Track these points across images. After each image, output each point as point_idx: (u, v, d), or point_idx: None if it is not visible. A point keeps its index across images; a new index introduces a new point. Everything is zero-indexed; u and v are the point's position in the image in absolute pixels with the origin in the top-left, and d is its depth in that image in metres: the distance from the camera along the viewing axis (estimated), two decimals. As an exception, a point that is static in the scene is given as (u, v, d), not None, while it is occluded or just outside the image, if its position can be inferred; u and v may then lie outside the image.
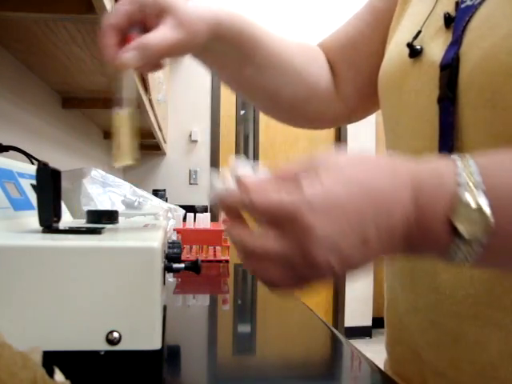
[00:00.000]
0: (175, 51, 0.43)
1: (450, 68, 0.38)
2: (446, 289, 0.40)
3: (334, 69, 0.60)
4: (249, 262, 0.30)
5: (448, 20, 0.40)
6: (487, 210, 0.26)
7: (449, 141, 0.38)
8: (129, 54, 0.39)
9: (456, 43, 0.38)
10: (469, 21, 0.37)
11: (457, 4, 0.40)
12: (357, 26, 0.58)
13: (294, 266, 0.28)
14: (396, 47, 0.47)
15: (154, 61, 0.42)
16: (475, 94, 0.36)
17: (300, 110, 0.60)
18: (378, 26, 0.56)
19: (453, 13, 0.40)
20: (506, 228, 0.27)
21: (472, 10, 0.38)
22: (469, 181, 0.27)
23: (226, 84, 0.58)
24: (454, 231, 0.27)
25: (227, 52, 0.51)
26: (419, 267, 0.43)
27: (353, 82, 0.59)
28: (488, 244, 0.27)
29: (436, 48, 0.40)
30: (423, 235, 0.28)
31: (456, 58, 0.38)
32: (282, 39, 0.55)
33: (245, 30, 0.50)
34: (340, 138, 3.30)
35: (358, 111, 0.62)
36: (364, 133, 3.28)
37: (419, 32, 0.43)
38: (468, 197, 0.26)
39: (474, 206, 0.26)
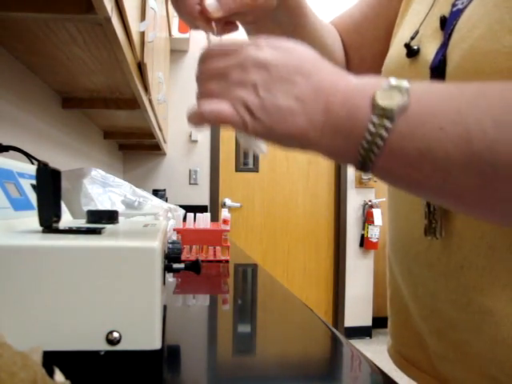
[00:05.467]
0: (251, 8, 0.43)
1: (438, 69, 0.39)
2: (440, 277, 0.42)
3: (345, 53, 0.61)
4: (200, 67, 0.37)
5: (443, 22, 0.41)
6: (405, 86, 0.30)
7: None
8: (210, 2, 0.40)
9: (444, 45, 0.39)
10: (455, 23, 0.39)
11: (452, 6, 0.40)
12: (362, 9, 0.59)
13: (230, 74, 0.34)
14: (397, 45, 0.47)
15: (231, 14, 0.42)
16: None
17: None
18: (382, 11, 0.56)
19: (448, 15, 0.40)
20: (416, 115, 0.30)
21: (459, 13, 0.39)
22: (398, 81, 0.31)
23: None
24: (373, 107, 0.30)
25: (282, 22, 0.51)
26: (416, 257, 0.45)
27: (358, 70, 0.59)
28: (396, 129, 0.29)
29: (430, 49, 0.41)
30: (345, 109, 0.31)
31: (443, 60, 0.39)
32: (318, 16, 0.56)
33: (303, 2, 0.51)
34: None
35: None
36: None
37: (417, 32, 0.44)
38: (392, 81, 0.31)
39: (395, 84, 0.30)
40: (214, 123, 0.35)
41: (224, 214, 1.09)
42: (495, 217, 0.31)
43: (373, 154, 0.31)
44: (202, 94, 0.36)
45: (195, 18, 0.40)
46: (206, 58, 0.37)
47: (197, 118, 0.35)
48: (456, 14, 0.39)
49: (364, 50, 0.59)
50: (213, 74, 0.36)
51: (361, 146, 0.31)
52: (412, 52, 0.43)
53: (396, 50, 0.47)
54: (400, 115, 0.30)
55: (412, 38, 0.44)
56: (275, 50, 0.34)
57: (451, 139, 0.28)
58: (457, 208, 0.33)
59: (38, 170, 0.38)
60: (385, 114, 0.30)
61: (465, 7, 0.38)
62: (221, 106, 0.34)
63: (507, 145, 0.27)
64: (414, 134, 0.29)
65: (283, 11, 0.49)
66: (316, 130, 0.32)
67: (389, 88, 0.30)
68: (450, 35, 0.39)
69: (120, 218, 0.55)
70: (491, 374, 0.38)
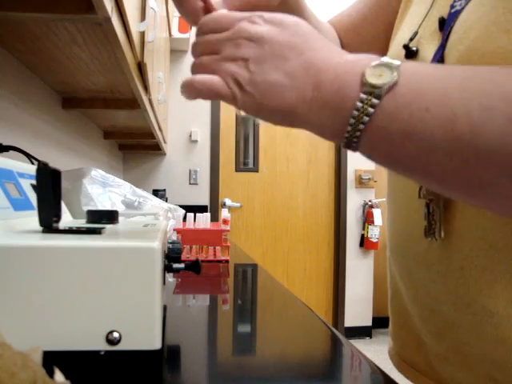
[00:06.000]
0: (254, 6, 0.43)
1: None
2: (440, 278, 0.42)
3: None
4: (197, 36, 0.37)
5: (442, 23, 0.41)
6: (396, 64, 0.30)
7: None
8: None
9: (442, 47, 0.39)
10: (453, 25, 0.39)
11: (451, 7, 0.40)
12: (361, 10, 0.59)
13: (223, 48, 0.34)
14: (396, 47, 0.47)
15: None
16: None
17: None
18: (381, 12, 0.56)
19: (446, 16, 0.41)
20: (403, 95, 0.30)
21: (457, 14, 0.39)
22: (389, 59, 0.31)
23: None
24: (362, 84, 0.30)
25: None
26: (416, 258, 0.45)
27: None
28: (383, 104, 0.30)
29: (429, 50, 0.41)
30: (335, 85, 0.32)
31: (441, 61, 0.39)
32: (316, 16, 0.57)
33: (302, 1, 0.52)
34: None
35: None
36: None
37: (416, 33, 0.44)
38: (384, 59, 0.31)
39: (385, 62, 0.31)
40: (205, 96, 0.35)
41: (224, 214, 1.09)
42: (481, 201, 0.31)
43: (358, 131, 0.31)
44: (196, 67, 0.36)
45: (198, 15, 0.40)
46: (201, 30, 0.37)
47: (189, 89, 0.36)
48: (454, 16, 0.39)
49: (361, 49, 0.59)
50: (207, 47, 0.36)
51: (347, 122, 0.31)
52: (411, 53, 0.43)
53: (395, 51, 0.47)
54: (388, 93, 0.30)
55: (411, 40, 0.44)
56: (270, 24, 0.34)
57: (436, 121, 0.29)
58: (440, 190, 0.33)
59: (38, 170, 0.38)
60: (373, 91, 0.30)
61: (462, 8, 0.38)
62: (211, 79, 0.34)
63: (491, 129, 0.27)
64: (400, 113, 0.30)
65: (283, 10, 0.49)
66: (304, 106, 0.32)
67: (379, 66, 0.31)
68: (447, 36, 0.39)
69: (120, 218, 0.55)
70: (491, 375, 0.38)
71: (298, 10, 0.51)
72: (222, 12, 0.37)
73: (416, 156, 0.30)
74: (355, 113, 0.30)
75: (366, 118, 0.30)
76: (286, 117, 0.33)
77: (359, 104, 0.30)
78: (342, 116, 0.31)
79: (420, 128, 0.29)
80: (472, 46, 0.36)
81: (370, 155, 0.33)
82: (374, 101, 0.30)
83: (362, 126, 0.30)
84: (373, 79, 0.30)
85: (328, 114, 0.32)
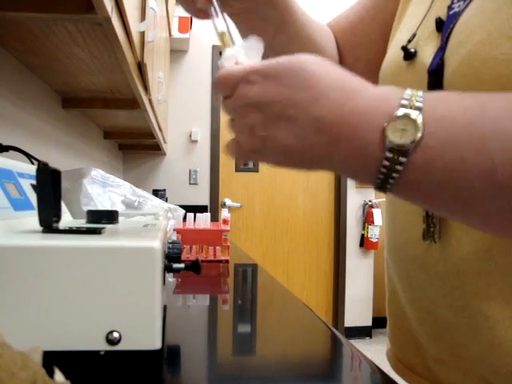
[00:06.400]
0: None
1: (436, 73, 0.39)
2: (437, 281, 0.42)
3: (339, 52, 0.61)
4: (229, 105, 0.34)
5: (439, 24, 0.40)
6: (419, 120, 0.28)
7: None
8: None
9: (442, 49, 0.39)
10: (453, 27, 0.38)
11: (449, 8, 0.40)
12: (358, 12, 0.59)
13: (234, 118, 0.34)
14: (394, 48, 0.47)
15: None
16: None
17: None
18: (378, 14, 0.56)
19: (444, 17, 0.40)
20: (432, 148, 0.28)
21: (457, 16, 0.38)
22: (411, 100, 0.29)
23: None
24: (385, 143, 0.28)
25: (268, 17, 0.51)
26: (414, 260, 0.45)
27: (352, 69, 0.59)
28: (412, 160, 0.28)
29: (427, 52, 0.41)
30: (354, 143, 0.29)
31: (441, 64, 0.38)
32: (308, 14, 0.56)
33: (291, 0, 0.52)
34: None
35: None
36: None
37: (414, 35, 0.43)
38: (402, 110, 0.28)
39: (406, 113, 0.28)
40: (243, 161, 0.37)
41: (224, 214, 1.09)
42: None
43: (389, 185, 0.30)
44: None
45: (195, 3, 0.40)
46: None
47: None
48: (453, 17, 0.39)
49: (358, 50, 0.59)
50: (228, 114, 0.36)
51: (376, 177, 0.30)
52: (409, 55, 0.43)
53: (393, 52, 0.47)
54: (415, 149, 0.28)
55: (409, 41, 0.43)
56: (266, 81, 0.32)
57: (474, 170, 0.27)
58: (484, 230, 0.33)
59: (38, 170, 0.38)
60: (398, 150, 0.28)
61: (462, 10, 0.38)
62: (233, 150, 0.36)
63: None
64: (433, 166, 0.28)
65: (269, 7, 0.50)
66: (326, 161, 0.31)
67: (400, 119, 0.28)
68: (447, 39, 0.39)
69: (120, 218, 0.55)
70: (487, 379, 0.38)
71: (284, 7, 0.51)
72: (223, 72, 0.35)
73: (453, 203, 0.29)
74: (383, 170, 0.29)
75: (395, 175, 0.29)
76: (311, 170, 0.33)
77: (386, 163, 0.29)
78: (369, 171, 0.30)
79: (457, 179, 0.27)
80: (474, 51, 0.35)
81: (404, 199, 0.32)
82: (402, 159, 0.28)
83: (392, 181, 0.29)
84: (396, 138, 0.28)
85: (354, 168, 0.31)
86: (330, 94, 0.30)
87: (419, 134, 0.28)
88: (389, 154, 0.28)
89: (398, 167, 0.28)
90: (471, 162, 0.27)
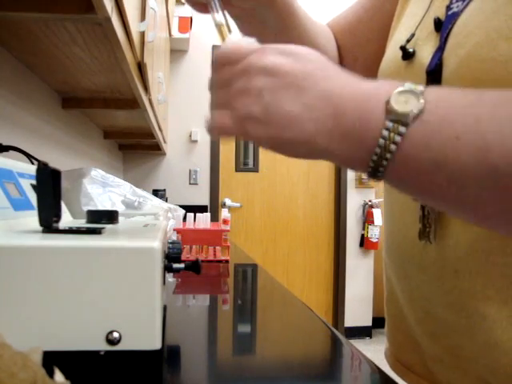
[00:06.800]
0: None
1: (434, 73, 0.39)
2: (435, 281, 0.42)
3: (339, 52, 0.61)
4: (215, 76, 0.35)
5: (438, 24, 0.40)
6: (420, 90, 0.29)
7: None
8: None
9: (440, 49, 0.39)
10: (452, 27, 0.38)
11: (447, 9, 0.40)
12: (357, 12, 0.59)
13: (234, 83, 0.34)
14: (393, 48, 0.47)
15: None
16: None
17: None
18: (376, 14, 0.56)
19: (443, 17, 0.40)
20: (431, 123, 0.28)
21: (455, 16, 0.38)
22: (412, 85, 0.30)
23: None
24: (388, 112, 0.29)
25: (268, 20, 0.51)
26: (411, 260, 0.45)
27: (351, 69, 0.60)
28: (411, 134, 0.28)
29: (426, 52, 0.41)
30: (356, 114, 0.30)
31: (439, 64, 0.38)
32: (310, 17, 0.56)
33: (294, 2, 0.51)
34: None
35: None
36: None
37: (413, 35, 0.44)
38: (407, 85, 0.30)
39: (410, 88, 0.29)
40: (220, 136, 0.35)
41: (224, 214, 1.09)
42: None
43: (385, 161, 0.29)
44: (212, 105, 0.36)
45: None
46: (215, 66, 0.36)
47: (209, 131, 0.36)
48: (452, 18, 0.39)
49: (357, 50, 0.59)
50: (220, 83, 0.35)
51: (373, 152, 0.30)
52: (407, 54, 0.43)
53: (392, 52, 0.47)
54: (415, 121, 0.29)
55: (408, 41, 0.43)
56: (282, 55, 0.33)
57: (468, 150, 0.27)
58: (472, 220, 0.32)
59: (38, 170, 0.38)
60: (399, 119, 0.29)
61: (461, 11, 0.38)
62: (222, 121, 0.34)
63: None
64: (429, 141, 0.28)
65: (270, 11, 0.49)
66: (324, 136, 0.31)
67: (404, 92, 0.29)
68: (446, 39, 0.39)
69: (120, 218, 0.55)
70: (484, 379, 0.38)
71: (286, 10, 0.51)
72: (235, 44, 0.36)
73: (447, 186, 0.29)
74: (381, 141, 0.29)
75: (393, 147, 0.29)
76: (305, 148, 0.32)
77: (385, 132, 0.29)
78: (366, 145, 0.30)
79: (451, 157, 0.28)
80: (472, 52, 0.35)
81: (396, 185, 0.32)
82: (401, 129, 0.28)
83: (388, 155, 0.29)
84: (399, 106, 0.29)
85: (350, 143, 0.31)
86: (342, 75, 0.33)
87: (421, 103, 0.29)
88: (389, 123, 0.29)
89: (397, 138, 0.29)
90: (465, 140, 0.27)
